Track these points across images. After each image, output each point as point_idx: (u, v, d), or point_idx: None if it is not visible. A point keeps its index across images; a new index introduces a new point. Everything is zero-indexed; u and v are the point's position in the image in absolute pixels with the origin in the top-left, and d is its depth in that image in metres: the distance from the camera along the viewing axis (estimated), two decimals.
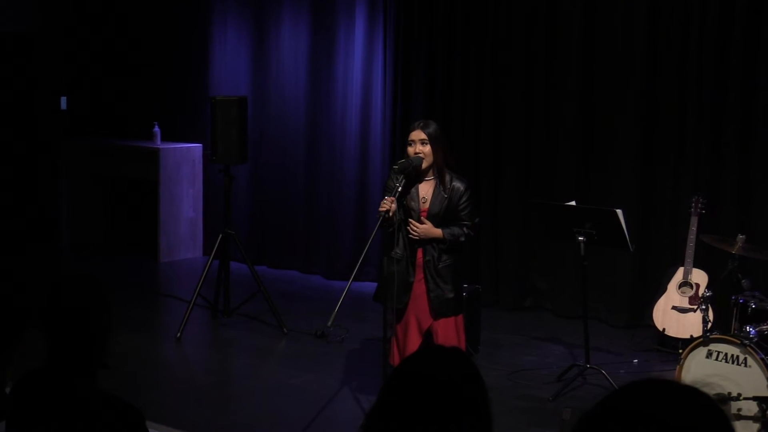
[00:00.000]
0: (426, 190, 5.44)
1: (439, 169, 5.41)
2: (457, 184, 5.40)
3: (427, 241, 5.41)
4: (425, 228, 5.38)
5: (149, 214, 9.75)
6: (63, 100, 10.24)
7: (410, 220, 5.40)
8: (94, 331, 2.73)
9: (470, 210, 5.43)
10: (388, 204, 5.25)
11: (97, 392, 2.72)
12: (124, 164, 10.00)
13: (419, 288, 5.43)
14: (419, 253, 5.43)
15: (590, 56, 7.71)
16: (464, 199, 5.40)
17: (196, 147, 9.77)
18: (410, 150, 5.40)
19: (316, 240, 9.18)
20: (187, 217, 9.74)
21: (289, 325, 7.36)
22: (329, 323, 5.18)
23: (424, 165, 5.40)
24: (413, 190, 5.45)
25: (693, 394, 1.48)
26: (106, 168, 10.17)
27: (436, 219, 5.39)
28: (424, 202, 5.42)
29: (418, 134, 5.40)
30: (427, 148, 5.37)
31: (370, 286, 8.44)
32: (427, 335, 5.45)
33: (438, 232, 5.38)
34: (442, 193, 5.39)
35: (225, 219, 7.59)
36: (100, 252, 9.92)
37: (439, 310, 5.41)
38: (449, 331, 5.42)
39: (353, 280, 5.28)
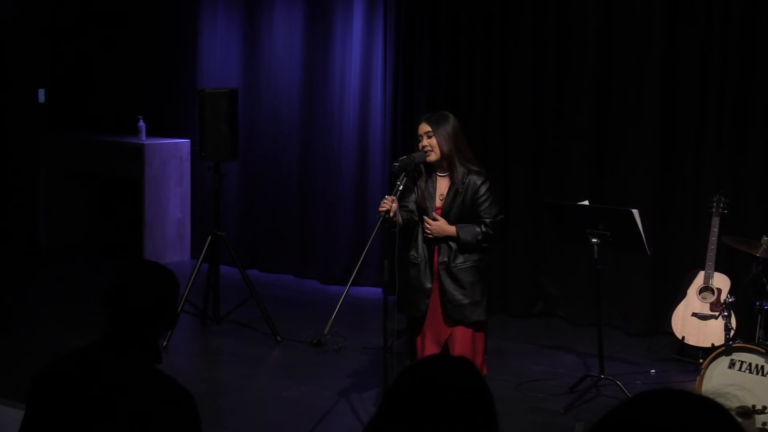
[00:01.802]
0: (443, 186, 5.43)
1: (449, 162, 5.39)
2: (474, 177, 5.36)
3: (442, 240, 5.39)
4: (438, 225, 5.36)
5: (133, 215, 9.75)
6: (41, 93, 10.25)
7: (425, 217, 5.40)
8: (156, 320, 2.91)
9: (489, 204, 5.35)
10: (389, 203, 5.24)
11: (153, 370, 2.86)
12: (107, 161, 10.00)
13: (436, 294, 5.42)
14: (435, 256, 5.42)
15: (606, 46, 7.71)
16: (482, 192, 5.34)
17: (184, 143, 9.78)
18: (419, 145, 5.41)
19: (311, 242, 9.19)
20: (174, 217, 9.74)
21: (282, 332, 7.37)
22: (326, 331, 5.18)
23: (432, 158, 5.38)
24: (430, 186, 5.43)
25: (706, 404, 1.50)
26: (88, 165, 10.17)
27: (450, 216, 5.37)
28: (441, 199, 5.42)
29: (423, 127, 5.41)
30: (433, 141, 5.37)
31: (369, 291, 8.47)
32: (446, 347, 5.42)
33: (451, 229, 5.34)
34: (457, 188, 5.38)
35: (214, 220, 7.59)
36: (80, 255, 9.92)
37: (452, 317, 5.37)
38: (466, 344, 5.35)
39: (351, 284, 5.28)
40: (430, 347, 5.40)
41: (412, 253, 5.46)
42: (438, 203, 5.41)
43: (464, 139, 5.48)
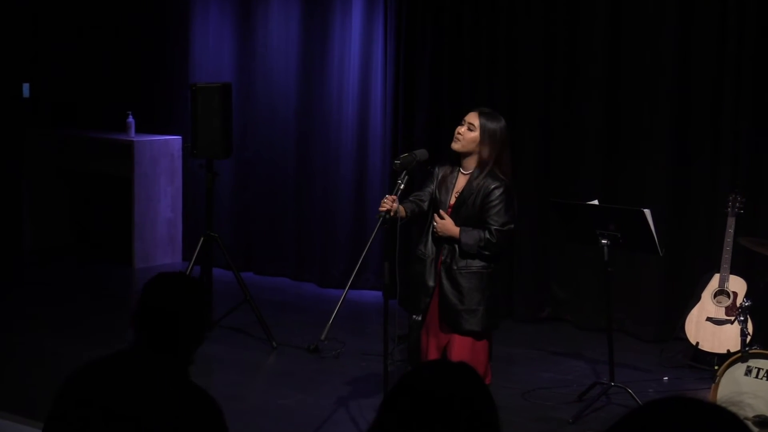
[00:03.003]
0: (461, 183, 5.44)
1: (483, 164, 5.37)
2: (489, 181, 5.34)
3: (447, 240, 5.39)
4: (444, 223, 5.35)
5: (122, 215, 9.75)
6: (25, 87, 10.25)
7: (435, 215, 5.39)
8: (184, 329, 3.07)
9: (498, 211, 5.32)
10: (389, 203, 5.25)
11: (184, 380, 2.97)
12: (94, 158, 10.00)
13: (436, 294, 5.44)
14: (441, 254, 5.43)
15: (616, 38, 7.71)
16: (493, 197, 5.32)
17: (175, 139, 9.78)
18: (457, 128, 5.42)
19: (308, 243, 9.19)
20: (164, 217, 9.75)
21: (278, 338, 7.37)
22: (323, 336, 5.19)
23: (456, 147, 5.38)
24: (449, 181, 5.43)
25: (721, 414, 1.50)
26: (74, 163, 10.17)
27: (460, 215, 5.37)
28: (456, 196, 5.42)
29: (471, 117, 5.40)
30: (471, 135, 5.36)
31: (368, 295, 8.47)
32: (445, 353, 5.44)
33: (455, 230, 5.34)
34: (473, 189, 5.38)
35: (207, 220, 7.59)
36: (66, 256, 9.92)
37: (447, 322, 5.39)
38: (463, 353, 5.34)
39: (350, 288, 5.29)
40: (432, 351, 5.43)
41: (420, 248, 5.47)
42: (452, 200, 5.41)
43: (506, 149, 5.44)
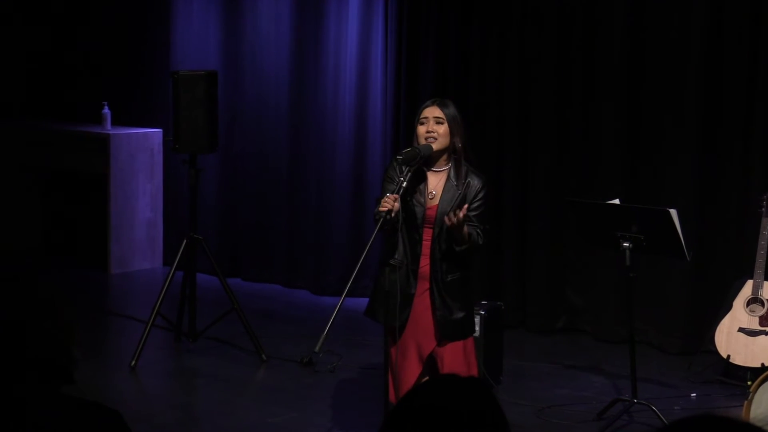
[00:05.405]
0: (435, 182, 5.43)
1: (456, 158, 5.42)
2: (474, 180, 5.40)
3: (437, 246, 5.39)
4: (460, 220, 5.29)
5: (97, 215, 9.75)
6: None
7: (455, 211, 5.30)
8: (42, 345, 2.68)
9: (482, 212, 5.42)
10: (390, 203, 5.23)
11: (56, 401, 2.64)
12: (66, 154, 9.99)
13: (422, 303, 5.44)
14: (422, 261, 5.43)
15: (639, 21, 7.71)
16: (479, 197, 5.39)
17: (155, 132, 9.78)
18: (421, 129, 5.40)
19: (301, 247, 9.19)
20: (143, 218, 9.75)
21: (268, 351, 7.38)
22: (317, 348, 5.19)
23: (436, 147, 5.39)
24: (417, 178, 5.43)
25: None
26: (44, 158, 10.17)
27: (443, 217, 5.37)
28: (431, 198, 5.41)
29: (433, 111, 5.41)
30: (443, 129, 5.37)
31: (366, 303, 8.45)
32: (429, 361, 5.46)
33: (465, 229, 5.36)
34: (455, 187, 5.38)
35: (190, 221, 7.60)
36: (35, 261, 9.92)
37: (444, 333, 5.42)
38: (457, 358, 5.42)
39: (346, 295, 5.28)
40: (411, 363, 5.44)
41: (395, 255, 5.45)
42: (429, 202, 5.40)
43: (466, 133, 5.54)
